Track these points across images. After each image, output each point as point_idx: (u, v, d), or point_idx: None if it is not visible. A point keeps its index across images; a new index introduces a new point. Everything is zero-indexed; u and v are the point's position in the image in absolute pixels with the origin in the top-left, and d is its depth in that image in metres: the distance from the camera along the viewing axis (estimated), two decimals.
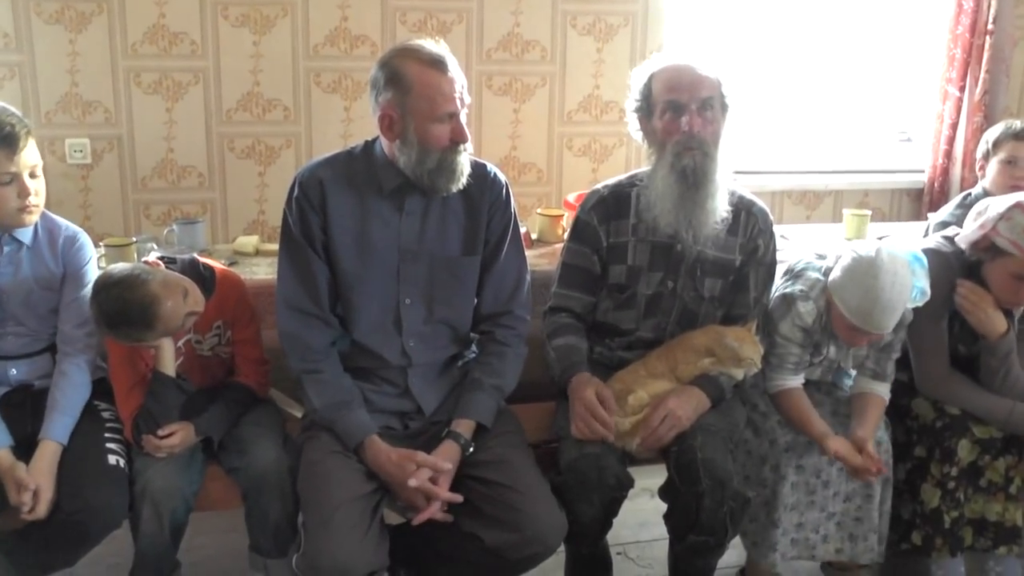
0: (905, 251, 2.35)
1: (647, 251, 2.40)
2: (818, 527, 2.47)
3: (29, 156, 2.21)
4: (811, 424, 2.38)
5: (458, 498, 2.14)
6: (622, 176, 2.49)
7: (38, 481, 2.11)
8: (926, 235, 2.99)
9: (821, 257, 2.48)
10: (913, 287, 2.31)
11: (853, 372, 2.53)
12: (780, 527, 2.43)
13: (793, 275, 2.48)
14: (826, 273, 2.39)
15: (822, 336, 2.44)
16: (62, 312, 2.32)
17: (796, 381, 2.45)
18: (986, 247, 2.39)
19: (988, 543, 2.52)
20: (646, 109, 2.36)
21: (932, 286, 2.38)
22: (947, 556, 2.49)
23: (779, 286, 2.49)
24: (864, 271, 2.27)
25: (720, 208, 2.33)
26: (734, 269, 2.42)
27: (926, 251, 2.49)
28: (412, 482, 2.10)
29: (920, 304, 2.36)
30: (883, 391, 2.48)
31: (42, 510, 2.10)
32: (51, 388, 2.27)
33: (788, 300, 2.41)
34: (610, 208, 2.43)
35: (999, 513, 2.50)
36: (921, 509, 2.49)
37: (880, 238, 3.28)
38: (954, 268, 2.47)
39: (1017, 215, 2.32)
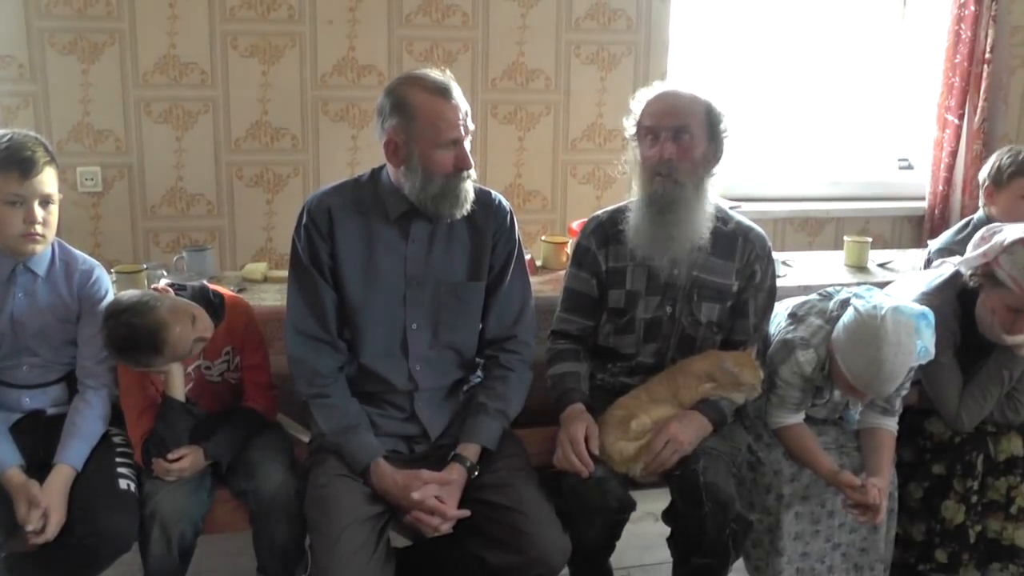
0: (910, 310, 2.24)
1: (644, 276, 2.42)
2: (823, 557, 2.47)
3: (43, 184, 2.20)
4: (817, 461, 2.38)
5: (466, 513, 2.16)
6: (622, 202, 2.50)
7: (49, 502, 2.11)
8: (927, 264, 3.00)
9: (825, 297, 2.42)
10: (917, 347, 2.22)
11: (860, 406, 2.50)
12: (784, 555, 2.44)
13: (796, 319, 2.41)
14: (829, 320, 2.34)
15: (824, 382, 2.41)
16: (82, 347, 2.32)
17: (798, 418, 2.44)
18: (985, 274, 2.39)
19: (984, 557, 2.54)
20: (635, 135, 2.40)
21: (937, 335, 2.29)
22: (973, 572, 2.49)
23: (782, 328, 2.44)
24: (868, 341, 2.20)
25: (696, 234, 2.34)
26: (731, 294, 2.43)
27: (928, 294, 2.48)
28: (415, 495, 2.11)
29: (924, 362, 2.27)
30: (892, 425, 2.46)
31: (51, 532, 2.09)
32: (71, 414, 2.28)
33: (789, 347, 2.36)
34: (608, 233, 2.45)
35: (996, 531, 2.52)
36: (942, 527, 2.50)
37: (881, 265, 3.33)
38: (952, 307, 2.46)
39: (1019, 250, 2.31)
